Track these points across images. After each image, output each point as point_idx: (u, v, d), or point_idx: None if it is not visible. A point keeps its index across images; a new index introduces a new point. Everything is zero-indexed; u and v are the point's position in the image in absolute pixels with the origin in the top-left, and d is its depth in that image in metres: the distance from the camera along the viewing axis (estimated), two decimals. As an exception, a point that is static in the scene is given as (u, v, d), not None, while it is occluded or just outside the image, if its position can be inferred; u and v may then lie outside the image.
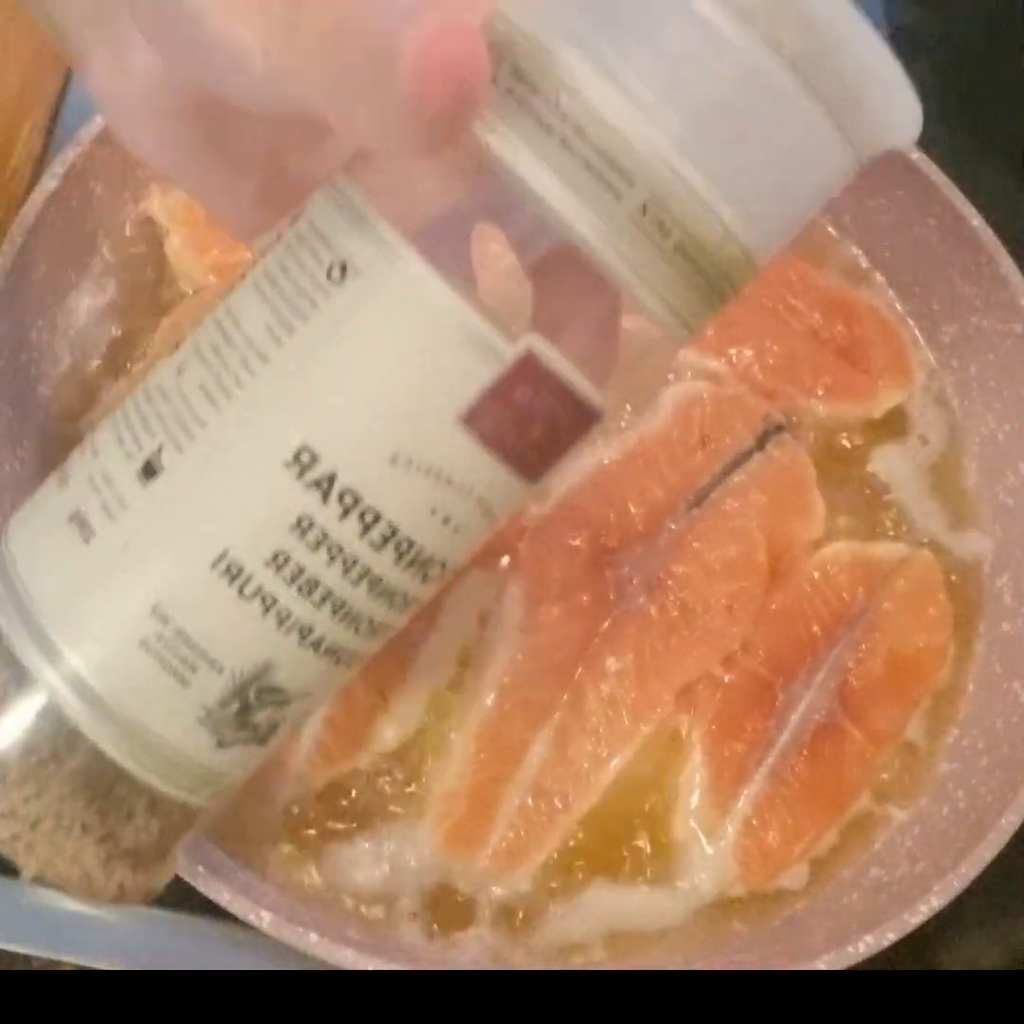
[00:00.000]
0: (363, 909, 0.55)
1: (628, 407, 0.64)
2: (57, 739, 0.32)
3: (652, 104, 0.27)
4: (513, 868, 0.55)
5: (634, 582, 0.59)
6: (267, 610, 0.31)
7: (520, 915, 0.55)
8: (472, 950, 0.54)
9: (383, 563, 0.31)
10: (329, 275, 0.30)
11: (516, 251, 0.32)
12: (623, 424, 0.63)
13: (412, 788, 0.57)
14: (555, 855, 0.56)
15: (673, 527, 0.61)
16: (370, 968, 0.49)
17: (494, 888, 0.55)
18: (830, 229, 0.71)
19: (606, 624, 0.58)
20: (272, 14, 0.27)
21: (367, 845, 0.56)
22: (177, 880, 0.49)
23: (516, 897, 0.56)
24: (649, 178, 0.28)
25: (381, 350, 0.30)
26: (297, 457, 0.30)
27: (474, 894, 0.55)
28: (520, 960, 0.54)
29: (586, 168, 0.28)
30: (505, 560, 0.60)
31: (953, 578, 0.63)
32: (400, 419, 0.30)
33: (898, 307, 0.70)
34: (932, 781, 0.59)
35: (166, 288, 0.66)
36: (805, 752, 0.58)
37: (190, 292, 0.65)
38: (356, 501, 0.30)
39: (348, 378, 0.30)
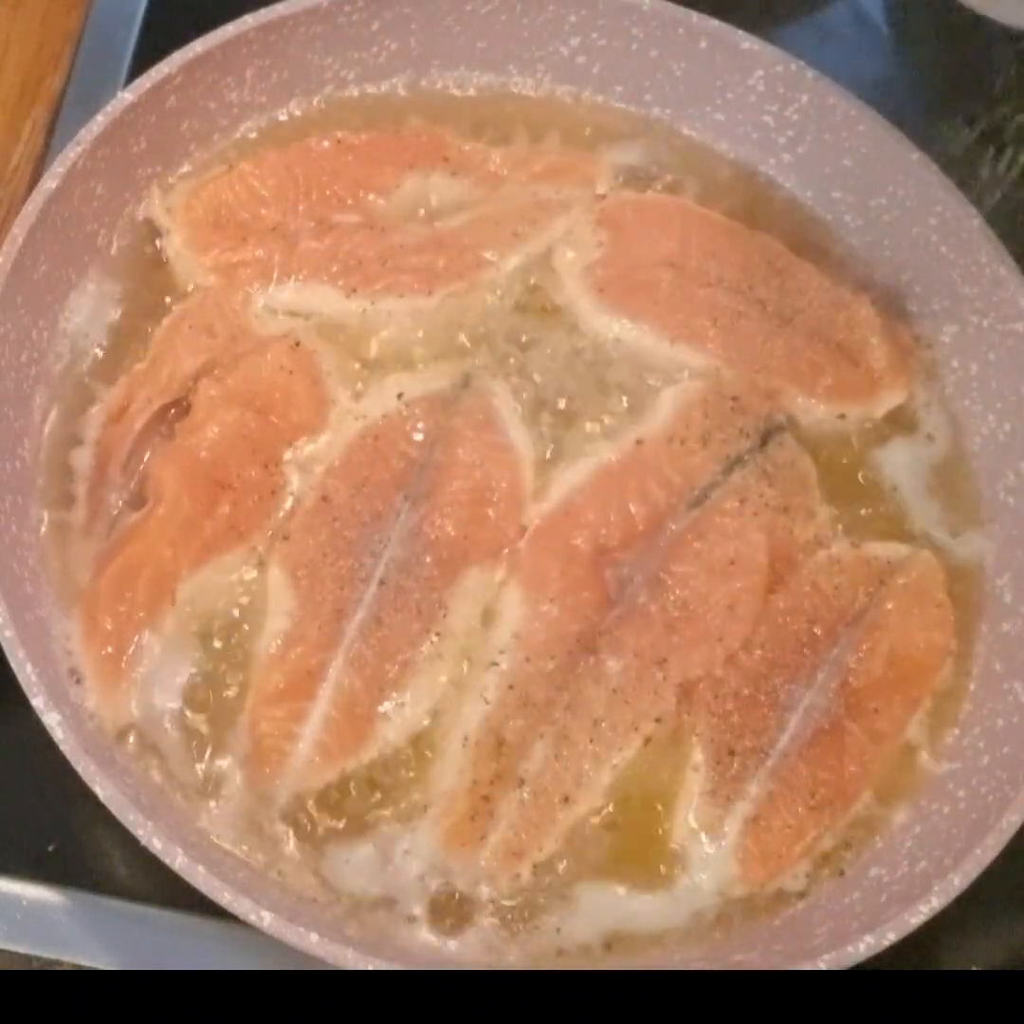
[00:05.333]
0: (363, 909, 0.55)
1: (624, 401, 0.64)
2: None
3: None
4: (513, 868, 0.55)
5: (634, 582, 0.59)
6: None
7: (520, 914, 0.55)
8: (471, 950, 0.55)
9: None
10: None
11: None
12: (623, 424, 0.64)
13: (412, 788, 0.57)
14: (555, 855, 0.56)
15: (673, 527, 0.61)
16: (370, 968, 0.49)
17: (494, 887, 0.55)
18: (830, 229, 0.71)
19: (606, 624, 0.59)
20: None
21: (367, 844, 0.56)
22: (177, 880, 0.50)
23: (516, 896, 0.56)
24: None
25: None
26: None
27: (474, 894, 0.55)
28: (519, 960, 0.54)
29: None
30: (505, 560, 0.60)
31: (953, 578, 0.63)
32: None
33: (898, 307, 0.70)
34: (932, 781, 0.59)
35: (166, 288, 0.66)
36: (805, 752, 0.58)
37: (190, 292, 0.65)
38: None
39: None
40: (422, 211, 0.69)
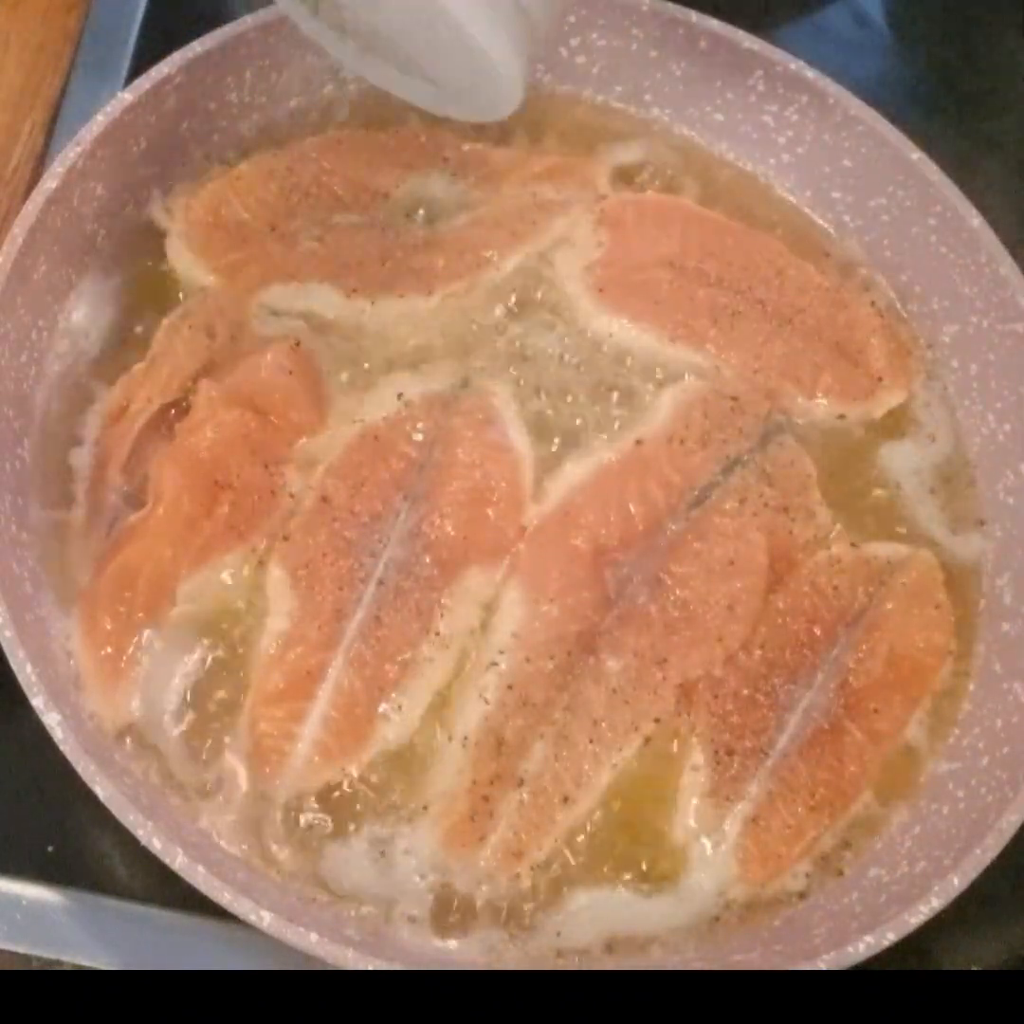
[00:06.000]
0: (363, 909, 0.55)
1: (624, 401, 0.64)
2: None
3: None
4: (512, 868, 0.55)
5: (634, 582, 0.59)
6: None
7: (519, 915, 0.55)
8: (471, 950, 0.55)
9: None
10: None
11: None
12: (623, 424, 0.64)
13: (411, 788, 0.57)
14: (554, 856, 0.56)
15: (673, 527, 0.61)
16: (370, 968, 0.49)
17: (493, 888, 0.55)
18: (830, 229, 0.71)
19: (606, 624, 0.59)
20: None
21: (367, 845, 0.56)
22: (177, 880, 0.50)
23: (515, 897, 0.55)
24: None
25: None
26: None
27: (473, 894, 0.55)
28: (519, 961, 0.54)
29: None
30: (505, 560, 0.60)
31: (953, 578, 0.63)
32: None
33: (898, 307, 0.70)
34: (932, 781, 0.59)
35: (166, 288, 0.66)
36: (805, 752, 0.58)
37: (190, 292, 0.65)
38: None
39: None
40: (422, 211, 0.69)
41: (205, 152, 0.69)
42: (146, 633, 0.58)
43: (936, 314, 0.68)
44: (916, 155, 0.67)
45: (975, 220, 0.65)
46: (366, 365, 0.64)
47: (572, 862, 0.56)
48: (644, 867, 0.57)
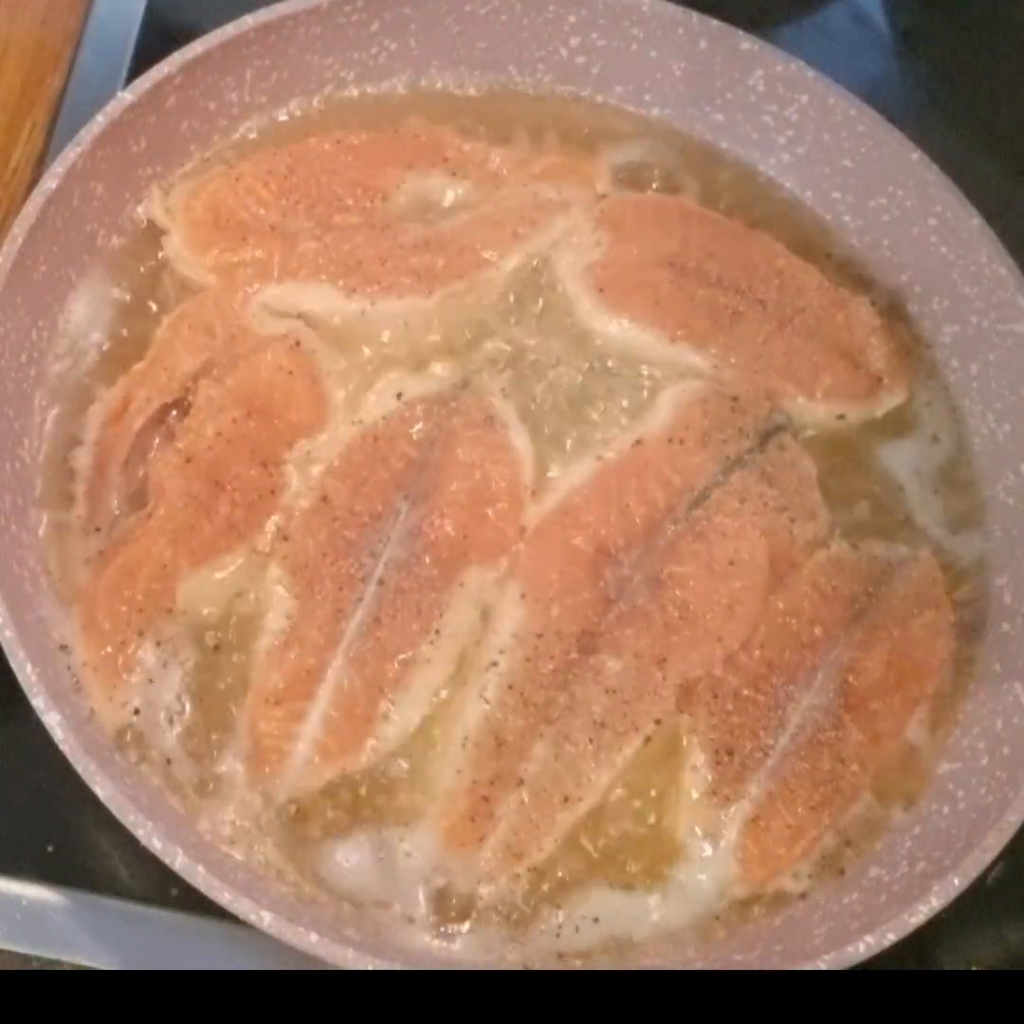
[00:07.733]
0: (363, 909, 0.55)
1: (624, 401, 0.64)
2: None
3: None
4: (512, 868, 0.55)
5: (634, 582, 0.59)
6: None
7: (519, 915, 0.55)
8: (471, 950, 0.54)
9: None
10: None
11: None
12: (623, 424, 0.64)
13: (412, 788, 0.57)
14: (554, 855, 0.56)
15: (673, 527, 0.61)
16: (370, 968, 0.49)
17: (493, 888, 0.55)
18: (830, 229, 0.71)
19: (606, 624, 0.58)
20: None
21: (367, 844, 0.56)
22: (177, 880, 0.50)
23: (515, 897, 0.55)
24: None
25: None
26: None
27: (473, 894, 0.55)
28: (519, 961, 0.54)
29: None
30: (505, 560, 0.60)
31: (953, 578, 0.63)
32: None
33: (898, 307, 0.70)
34: (932, 781, 0.59)
35: (166, 288, 0.66)
36: (805, 752, 0.58)
37: (190, 292, 0.65)
38: None
39: None
40: (422, 211, 0.69)
41: (205, 152, 0.69)
42: (146, 633, 0.58)
43: (936, 314, 0.68)
44: (916, 155, 0.67)
45: (975, 220, 0.65)
46: (366, 365, 0.64)
47: (572, 862, 0.56)
48: (644, 867, 0.57)
